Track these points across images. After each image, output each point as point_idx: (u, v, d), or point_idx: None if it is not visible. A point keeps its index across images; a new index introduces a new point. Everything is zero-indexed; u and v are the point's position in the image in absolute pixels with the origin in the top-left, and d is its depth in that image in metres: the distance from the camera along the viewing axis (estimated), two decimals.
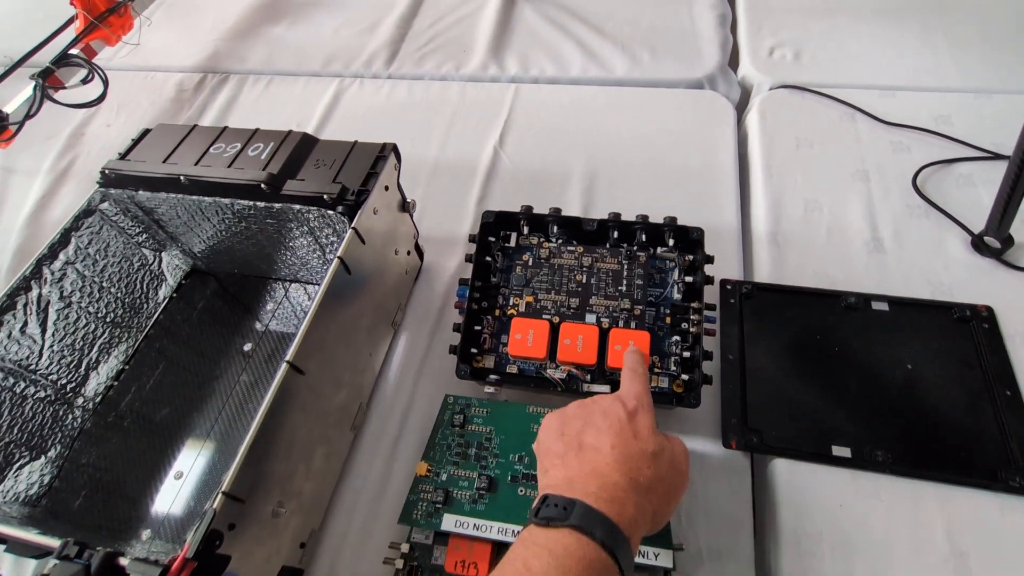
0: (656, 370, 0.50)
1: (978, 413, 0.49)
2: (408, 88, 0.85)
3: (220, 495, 0.36)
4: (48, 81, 0.77)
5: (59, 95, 0.78)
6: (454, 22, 0.94)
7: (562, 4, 0.93)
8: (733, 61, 0.83)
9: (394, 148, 0.55)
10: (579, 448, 0.38)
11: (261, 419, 0.39)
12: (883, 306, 0.55)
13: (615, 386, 0.49)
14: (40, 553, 0.39)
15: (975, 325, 0.53)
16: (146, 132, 0.59)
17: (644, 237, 0.54)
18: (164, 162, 0.55)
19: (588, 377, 0.50)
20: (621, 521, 0.34)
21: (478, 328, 0.53)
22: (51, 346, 0.54)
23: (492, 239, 0.56)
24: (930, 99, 0.71)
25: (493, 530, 0.44)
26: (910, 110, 0.70)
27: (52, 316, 0.54)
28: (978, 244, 0.58)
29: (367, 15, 0.97)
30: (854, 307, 0.55)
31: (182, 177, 0.53)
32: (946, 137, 0.67)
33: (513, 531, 0.44)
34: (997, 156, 0.64)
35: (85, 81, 0.80)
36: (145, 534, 0.51)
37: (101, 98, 0.80)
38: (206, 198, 0.54)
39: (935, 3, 0.82)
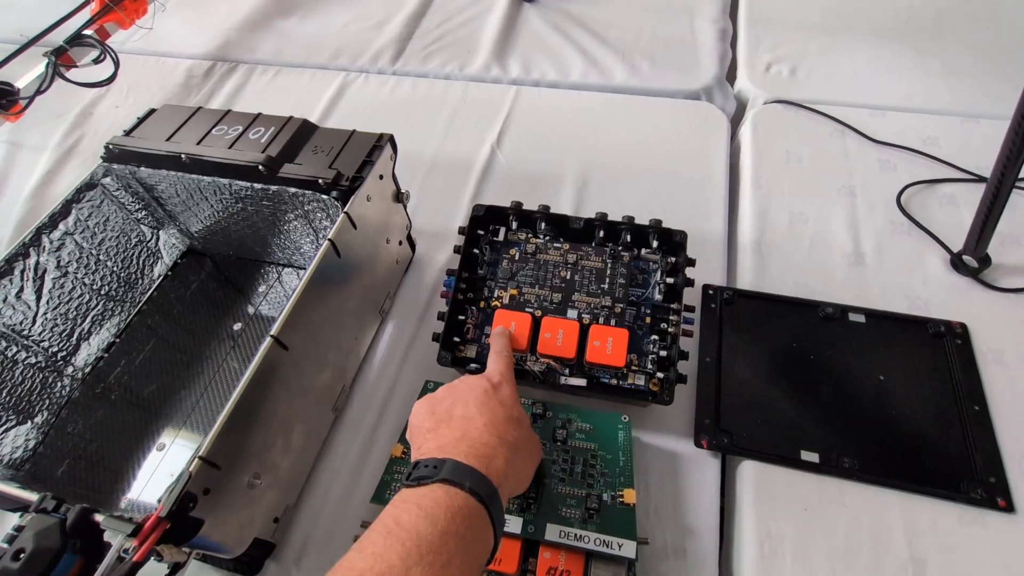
0: (633, 368, 0.51)
1: (946, 426, 0.50)
2: (412, 85, 0.87)
3: (197, 459, 0.37)
4: (60, 59, 0.78)
5: (70, 73, 0.80)
6: (461, 23, 0.96)
7: (567, 11, 0.95)
8: (731, 75, 0.85)
9: (390, 139, 0.56)
10: (449, 420, 0.40)
11: (242, 389, 0.40)
12: (860, 318, 0.56)
13: (592, 381, 0.51)
14: (18, 507, 0.40)
15: (949, 341, 0.54)
16: (152, 111, 0.60)
17: (629, 238, 0.55)
18: (167, 140, 0.57)
19: (567, 371, 0.52)
20: (490, 472, 0.36)
21: (462, 318, 0.54)
22: (45, 314, 0.55)
23: (481, 232, 0.58)
24: (920, 120, 0.73)
25: None
26: (899, 130, 0.71)
27: (48, 284, 0.55)
28: (956, 262, 0.59)
29: (377, 12, 0.99)
30: (831, 317, 0.57)
31: (183, 155, 0.54)
32: (933, 158, 0.69)
33: None
34: (981, 179, 0.66)
35: (97, 61, 0.82)
36: (124, 502, 0.52)
37: (111, 79, 0.81)
38: (205, 177, 0.56)
39: (931, 28, 0.84)
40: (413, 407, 0.44)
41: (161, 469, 0.54)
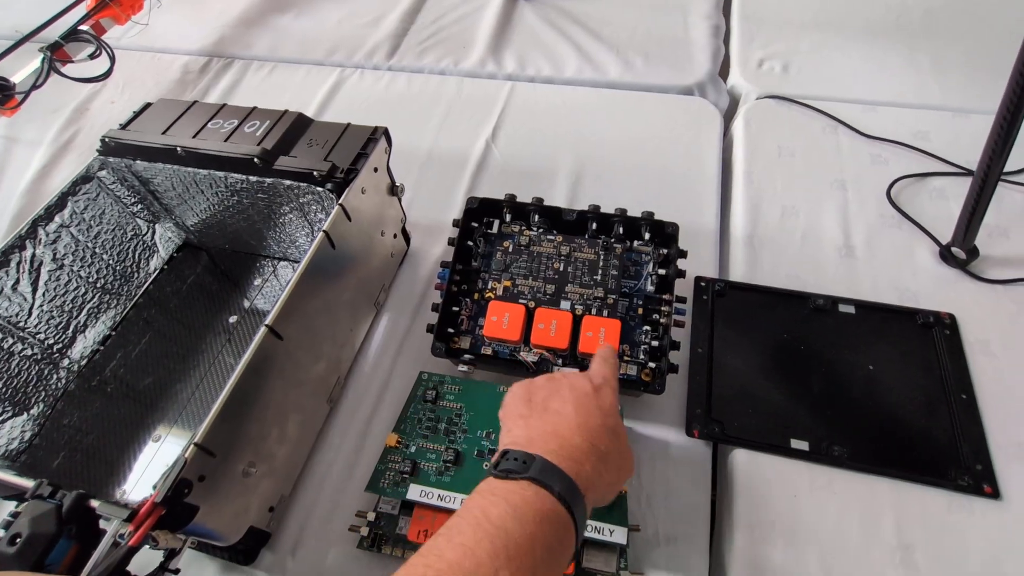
0: (626, 358, 0.52)
1: (934, 415, 0.51)
2: (407, 80, 0.87)
3: (192, 446, 0.37)
4: (56, 55, 0.78)
5: (66, 69, 0.80)
6: (456, 19, 0.96)
7: (562, 7, 0.95)
8: (724, 70, 0.86)
9: (385, 132, 0.57)
10: (543, 411, 0.39)
11: (237, 377, 0.41)
12: (850, 309, 0.57)
13: (584, 370, 0.51)
14: (14, 494, 0.40)
15: (937, 331, 0.55)
16: (147, 105, 0.61)
17: (622, 230, 0.56)
18: (163, 134, 0.57)
19: (560, 361, 0.52)
20: (579, 479, 0.34)
21: (456, 309, 0.55)
22: (41, 306, 0.55)
23: (475, 225, 0.58)
24: (911, 115, 0.73)
25: (457, 501, 0.45)
26: (891, 125, 0.72)
27: (44, 276, 0.56)
28: (945, 254, 0.60)
29: (373, 8, 1.00)
30: (822, 308, 0.57)
31: (179, 148, 0.55)
32: (923, 152, 0.69)
33: None
34: (969, 172, 0.66)
35: (92, 57, 0.82)
36: (119, 493, 0.53)
37: (107, 74, 0.82)
38: (201, 170, 0.56)
39: (922, 26, 0.84)
40: (511, 387, 0.43)
41: (156, 461, 0.54)
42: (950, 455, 0.48)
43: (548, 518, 0.32)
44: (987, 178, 0.54)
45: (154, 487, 0.36)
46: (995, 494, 0.46)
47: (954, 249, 0.60)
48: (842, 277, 0.60)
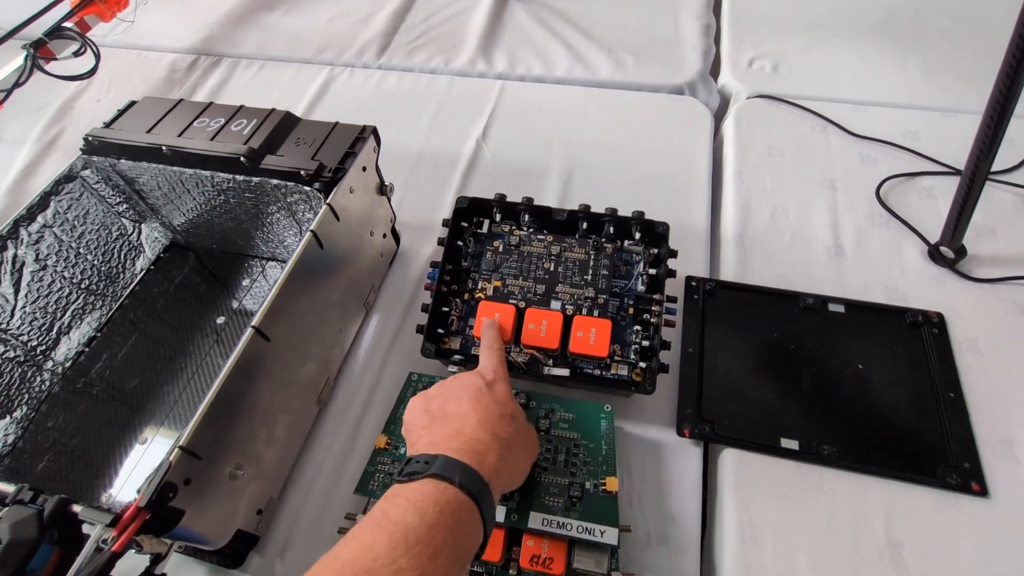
0: (617, 358, 0.52)
1: (922, 413, 0.51)
2: (397, 79, 0.86)
3: (177, 449, 0.37)
4: (40, 52, 0.77)
5: (50, 66, 0.79)
6: (447, 18, 0.96)
7: (552, 6, 0.95)
8: (714, 70, 0.86)
9: (374, 131, 0.56)
10: (443, 417, 0.40)
11: (223, 379, 0.40)
12: (839, 308, 0.57)
13: (576, 371, 0.51)
14: None
15: (926, 330, 0.55)
16: (132, 104, 0.60)
17: (612, 229, 0.56)
18: (148, 132, 0.56)
19: (550, 361, 0.52)
20: (482, 468, 0.36)
21: (446, 310, 0.55)
22: (23, 307, 0.55)
23: (465, 224, 0.58)
24: (900, 115, 0.74)
25: None
26: (880, 124, 0.72)
27: (27, 277, 0.55)
28: (934, 254, 0.60)
29: (363, 6, 0.99)
30: (812, 308, 0.57)
31: (164, 147, 0.54)
32: (912, 152, 0.70)
33: None
34: (957, 172, 0.67)
35: (77, 54, 0.81)
36: (105, 497, 0.52)
37: (92, 72, 0.80)
38: (187, 169, 0.56)
39: (912, 27, 0.85)
40: (408, 404, 0.44)
41: (143, 463, 0.54)
42: (938, 453, 0.49)
43: (449, 506, 0.33)
44: (975, 177, 0.54)
45: (138, 491, 0.35)
46: (983, 492, 0.47)
47: (942, 248, 0.60)
48: (831, 276, 0.60)
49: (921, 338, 0.55)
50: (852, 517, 0.47)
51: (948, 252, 0.60)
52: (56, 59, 0.80)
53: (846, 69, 0.80)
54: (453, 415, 0.40)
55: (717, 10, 0.94)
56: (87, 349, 0.61)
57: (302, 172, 0.52)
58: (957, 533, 0.46)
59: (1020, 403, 0.51)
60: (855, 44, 0.83)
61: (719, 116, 0.81)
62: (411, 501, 0.33)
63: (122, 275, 0.64)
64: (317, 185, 0.52)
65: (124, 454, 0.54)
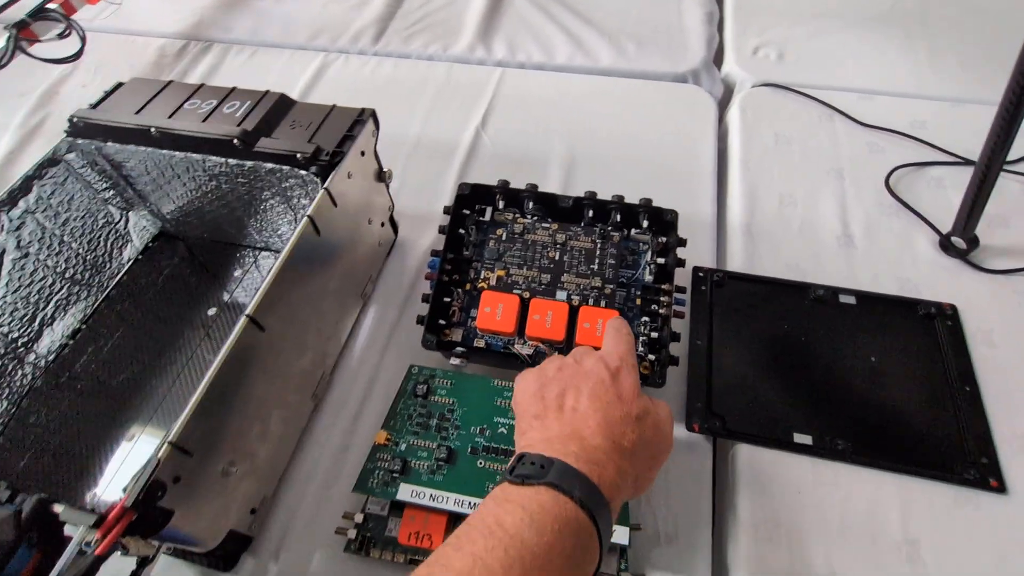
0: None
1: (938, 407, 0.50)
2: (394, 66, 0.84)
3: (167, 444, 0.35)
4: (22, 34, 0.75)
5: (33, 49, 0.76)
6: (445, 3, 0.93)
7: None
8: (718, 58, 0.84)
9: (372, 114, 0.54)
10: (559, 410, 0.37)
11: (215, 371, 0.38)
12: (851, 299, 0.56)
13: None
14: None
15: (939, 322, 0.54)
16: (119, 85, 0.57)
17: (619, 217, 0.54)
18: (136, 114, 0.53)
19: (556, 354, 0.50)
20: (602, 483, 0.32)
21: (448, 300, 0.53)
22: (4, 297, 0.52)
23: (467, 212, 0.56)
24: (908, 104, 0.72)
25: (450, 501, 0.43)
26: (888, 114, 0.71)
27: (7, 266, 0.52)
28: (945, 244, 0.59)
29: None
30: (822, 299, 0.56)
31: (153, 129, 0.52)
32: (921, 141, 0.68)
33: (471, 503, 0.43)
34: (968, 162, 0.65)
35: (62, 36, 0.78)
36: (90, 496, 0.50)
37: (77, 55, 0.78)
38: (177, 153, 0.53)
39: (919, 14, 0.84)
40: (520, 377, 0.41)
41: (130, 461, 0.51)
42: (955, 449, 0.47)
43: (569, 526, 0.30)
44: (989, 167, 0.53)
45: (124, 490, 0.33)
46: (1001, 488, 0.45)
47: (954, 239, 0.59)
48: (841, 267, 0.59)
49: (935, 330, 0.54)
50: (868, 513, 0.45)
51: (960, 243, 0.58)
52: (40, 41, 0.77)
53: (853, 57, 0.79)
54: (570, 410, 0.37)
55: None
56: (71, 342, 0.58)
57: (298, 155, 0.49)
58: (975, 530, 0.44)
59: None
60: (862, 32, 0.82)
61: (723, 105, 0.79)
62: (528, 511, 0.30)
63: (109, 265, 0.62)
64: (314, 169, 0.50)
65: (110, 451, 0.52)
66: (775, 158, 0.69)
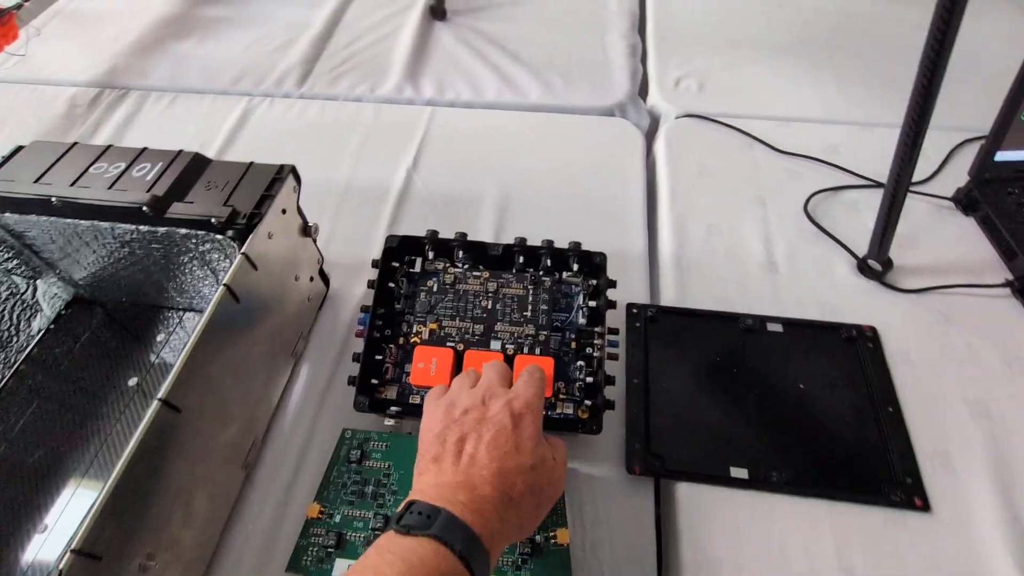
0: (561, 396, 0.50)
1: (863, 430, 0.51)
2: (320, 108, 0.83)
3: (69, 554, 0.32)
4: None
5: None
6: (371, 43, 0.93)
7: (479, 28, 0.94)
8: (643, 90, 0.86)
9: (292, 170, 0.53)
10: (456, 456, 0.37)
11: (124, 465, 0.35)
12: (778, 327, 0.57)
13: None
14: None
15: (861, 345, 0.56)
16: (19, 149, 0.54)
17: (549, 262, 0.54)
18: (36, 182, 0.50)
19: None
20: (484, 533, 0.33)
21: (380, 358, 0.51)
22: None
23: (396, 264, 0.55)
24: (820, 130, 0.76)
25: None
26: (803, 140, 0.74)
27: None
28: (862, 267, 0.62)
29: (281, 33, 0.95)
30: (751, 329, 0.57)
31: (54, 199, 0.49)
32: (834, 166, 0.72)
33: None
34: (879, 184, 0.69)
35: None
36: None
37: None
38: (83, 222, 0.50)
39: (823, 43, 0.88)
40: (426, 407, 0.41)
41: (44, 555, 0.48)
42: (882, 471, 0.49)
43: None
44: (896, 191, 0.56)
45: None
46: (926, 507, 0.47)
47: (870, 261, 0.61)
48: (767, 294, 0.61)
49: (857, 353, 0.56)
50: (804, 544, 0.46)
51: (876, 265, 0.61)
52: None
53: (767, 86, 0.82)
54: (468, 457, 0.37)
55: (642, 30, 0.95)
56: None
57: (213, 220, 0.47)
58: (904, 550, 0.46)
59: (952, 413, 0.52)
60: (773, 62, 0.85)
61: (650, 136, 0.81)
62: (407, 563, 0.31)
63: (16, 338, 0.58)
64: (231, 233, 0.48)
65: (21, 548, 0.48)
66: (701, 188, 0.71)
